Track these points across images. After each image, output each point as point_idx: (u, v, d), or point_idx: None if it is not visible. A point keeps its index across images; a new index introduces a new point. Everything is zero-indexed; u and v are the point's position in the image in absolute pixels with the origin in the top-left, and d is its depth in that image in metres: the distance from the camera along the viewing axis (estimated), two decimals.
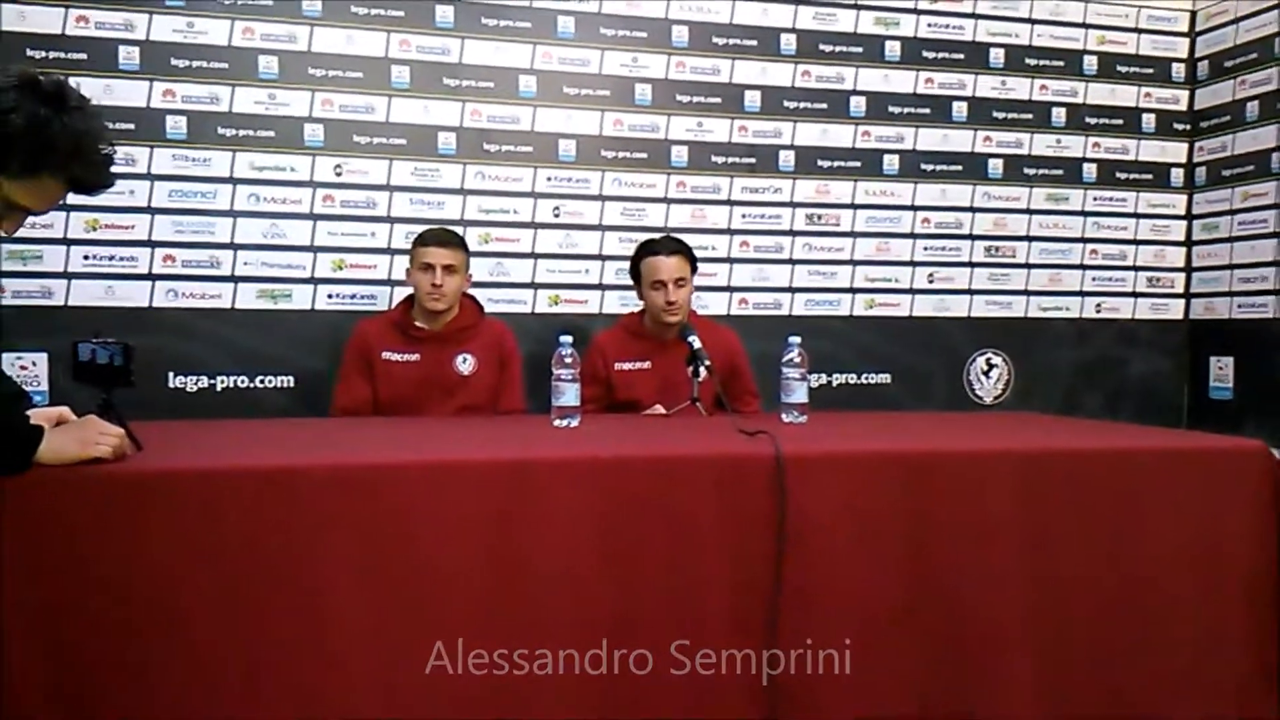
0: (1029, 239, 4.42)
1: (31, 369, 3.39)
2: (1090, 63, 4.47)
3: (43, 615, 1.74)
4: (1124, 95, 4.51)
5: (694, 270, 3.40)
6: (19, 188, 1.78)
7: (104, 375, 1.93)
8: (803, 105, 4.14)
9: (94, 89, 3.41)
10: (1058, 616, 2.19)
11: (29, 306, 3.41)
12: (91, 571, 1.77)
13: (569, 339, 2.64)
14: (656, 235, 3.50)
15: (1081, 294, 4.49)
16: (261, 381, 3.61)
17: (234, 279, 3.59)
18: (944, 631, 2.13)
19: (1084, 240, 4.49)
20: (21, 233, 3.34)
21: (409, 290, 3.33)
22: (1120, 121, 4.51)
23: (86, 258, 3.47)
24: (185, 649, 1.80)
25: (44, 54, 3.41)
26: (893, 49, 4.23)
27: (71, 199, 3.35)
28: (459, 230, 3.49)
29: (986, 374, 4.37)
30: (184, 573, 1.81)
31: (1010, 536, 2.17)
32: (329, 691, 1.86)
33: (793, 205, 4.15)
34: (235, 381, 3.59)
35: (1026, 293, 4.43)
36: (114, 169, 1.91)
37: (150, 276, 3.52)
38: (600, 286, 3.95)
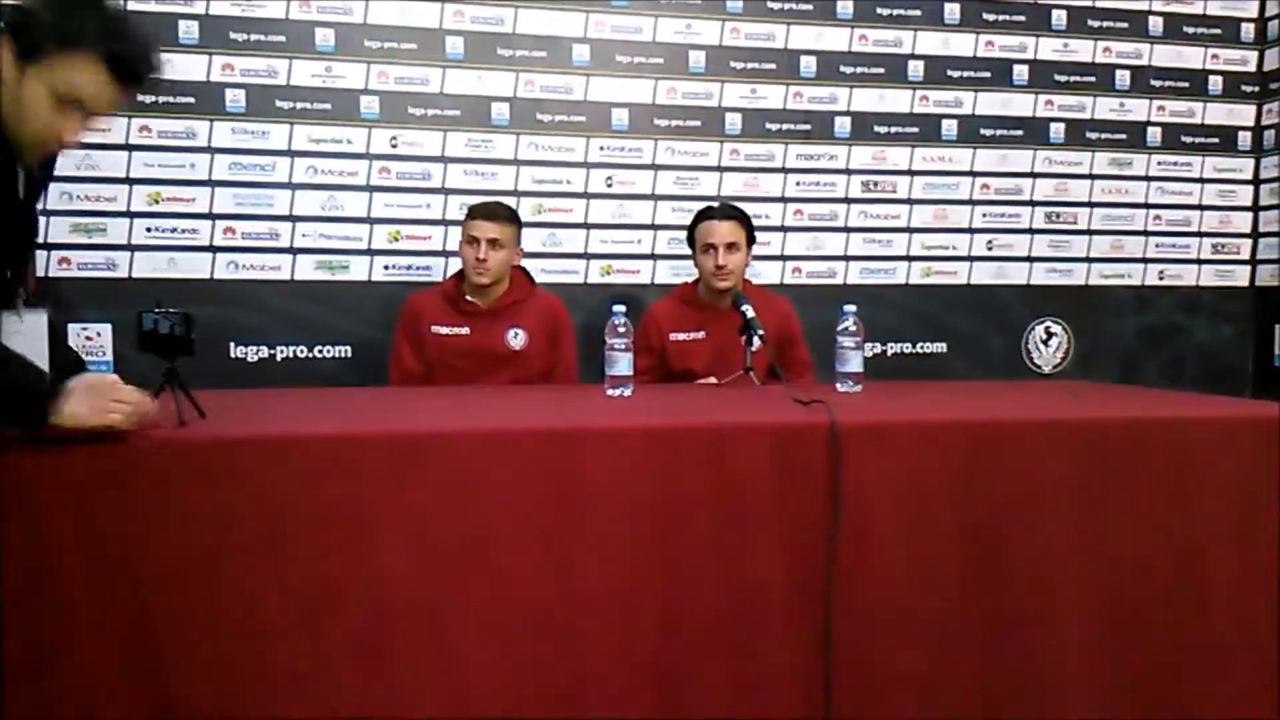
0: (1090, 205, 4.33)
1: (96, 339, 3.48)
2: (1155, 23, 4.36)
3: (108, 584, 1.78)
4: (1190, 57, 4.39)
5: (751, 241, 3.38)
6: (61, 72, 1.76)
7: (167, 345, 1.97)
8: (859, 70, 4.09)
9: None
10: (1114, 588, 2.16)
11: (93, 278, 3.49)
12: (154, 540, 1.81)
13: (622, 308, 2.64)
14: (713, 204, 3.49)
15: (1144, 261, 4.40)
16: (320, 352, 3.67)
17: (293, 250, 3.64)
18: (1000, 602, 2.11)
19: (1147, 206, 4.39)
20: (85, 205, 3.46)
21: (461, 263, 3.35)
22: (1186, 84, 4.39)
23: (149, 230, 3.54)
24: (246, 615, 1.84)
25: None
26: (952, 11, 4.15)
27: (135, 171, 3.43)
28: (512, 201, 3.50)
29: (1045, 343, 4.31)
30: (244, 538, 1.84)
31: (1069, 507, 2.14)
32: (386, 656, 1.90)
33: (848, 172, 4.10)
34: (294, 352, 3.65)
35: (1088, 260, 4.34)
36: (160, 63, 1.88)
37: (211, 248, 3.58)
38: (653, 256, 3.95)
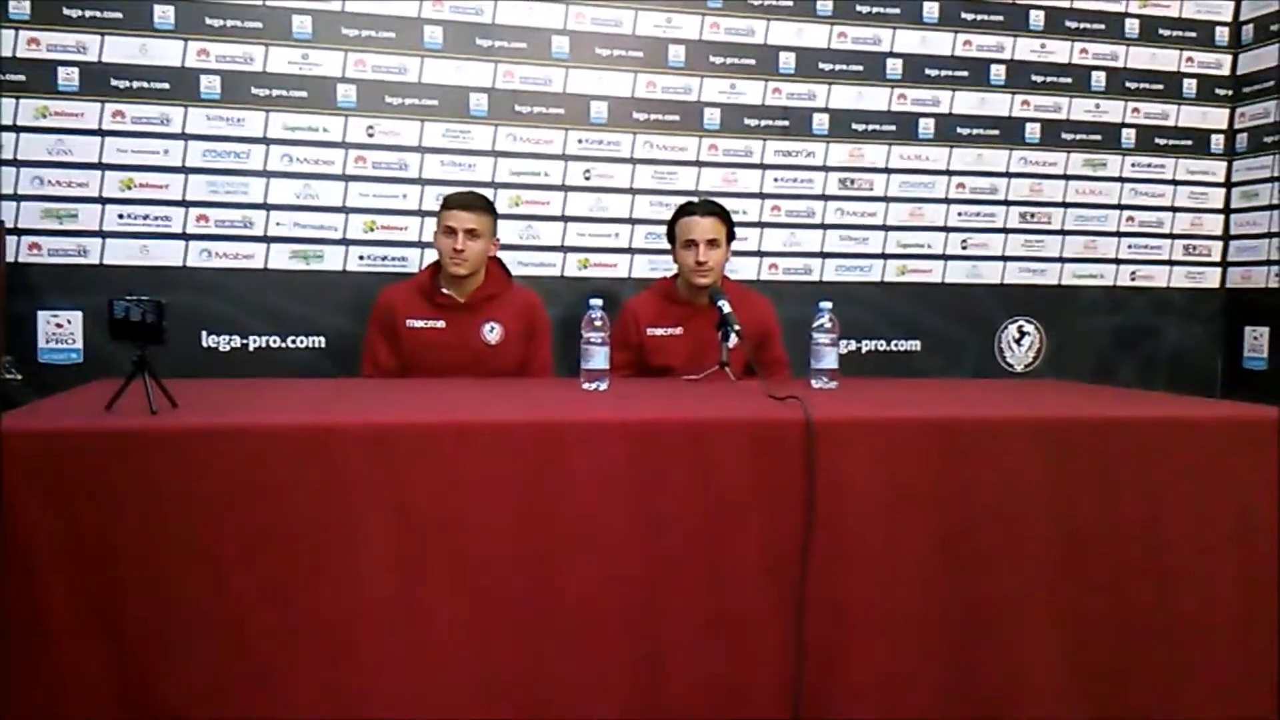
0: (1065, 205, 4.37)
1: (66, 326, 3.44)
2: (1132, 26, 4.39)
3: (80, 574, 1.77)
4: (1165, 59, 4.43)
5: (731, 237, 3.38)
6: None
7: (138, 332, 1.95)
8: (838, 67, 4.10)
9: (129, 48, 3.45)
10: (1085, 585, 2.18)
11: (64, 265, 3.45)
12: (126, 530, 1.79)
13: (599, 302, 2.64)
14: (693, 199, 3.49)
15: (1117, 261, 4.44)
16: (293, 341, 3.64)
17: (267, 239, 3.61)
18: (973, 600, 2.13)
19: (1120, 207, 4.43)
20: (57, 190, 3.43)
21: (437, 255, 3.33)
22: (1161, 86, 4.43)
23: (121, 217, 3.50)
24: (219, 605, 1.83)
25: (79, 12, 3.42)
26: (930, 10, 4.17)
27: (107, 157, 3.39)
28: (489, 193, 3.49)
29: (1018, 342, 4.34)
30: (217, 529, 1.83)
31: (1042, 505, 2.16)
32: (360, 649, 1.89)
33: (825, 169, 4.12)
34: (267, 341, 3.62)
35: (1061, 260, 4.38)
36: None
37: (184, 236, 3.55)
38: (630, 250, 3.95)
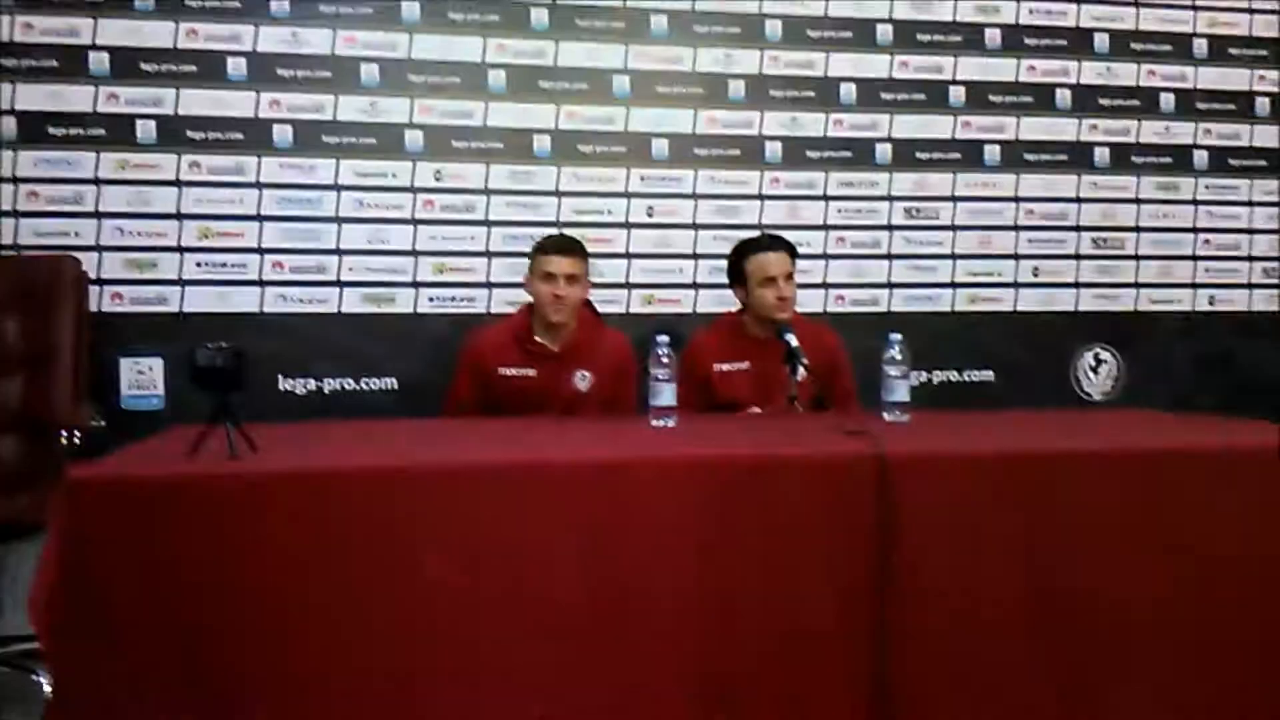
0: (1138, 230, 4.28)
1: (148, 373, 3.52)
2: (1200, 45, 4.31)
3: (164, 618, 1.81)
4: (1236, 79, 4.34)
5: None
6: None
7: (219, 379, 2.00)
8: (900, 97, 4.07)
9: (204, 101, 3.56)
10: (1174, 621, 2.12)
11: (145, 313, 3.54)
12: (210, 573, 1.83)
13: (665, 338, 2.64)
14: (753, 235, 3.48)
15: (1194, 286, 4.34)
16: (366, 384, 3.69)
17: (339, 284, 3.68)
18: (1061, 638, 2.07)
19: (1195, 230, 4.33)
20: (137, 241, 3.52)
21: (510, 296, 3.32)
22: (1232, 106, 4.33)
23: (199, 265, 3.59)
24: (295, 644, 1.86)
25: (156, 67, 3.53)
26: (993, 37, 4.14)
27: (185, 207, 3.49)
28: (553, 232, 3.51)
29: (1095, 370, 4.25)
30: (297, 571, 1.86)
31: (1128, 541, 2.10)
32: (433, 688, 1.90)
33: (890, 199, 4.09)
34: (341, 384, 3.68)
35: (1136, 285, 4.29)
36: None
37: (260, 282, 3.63)
38: (694, 285, 3.95)
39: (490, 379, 3.23)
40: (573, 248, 3.25)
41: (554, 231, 3.48)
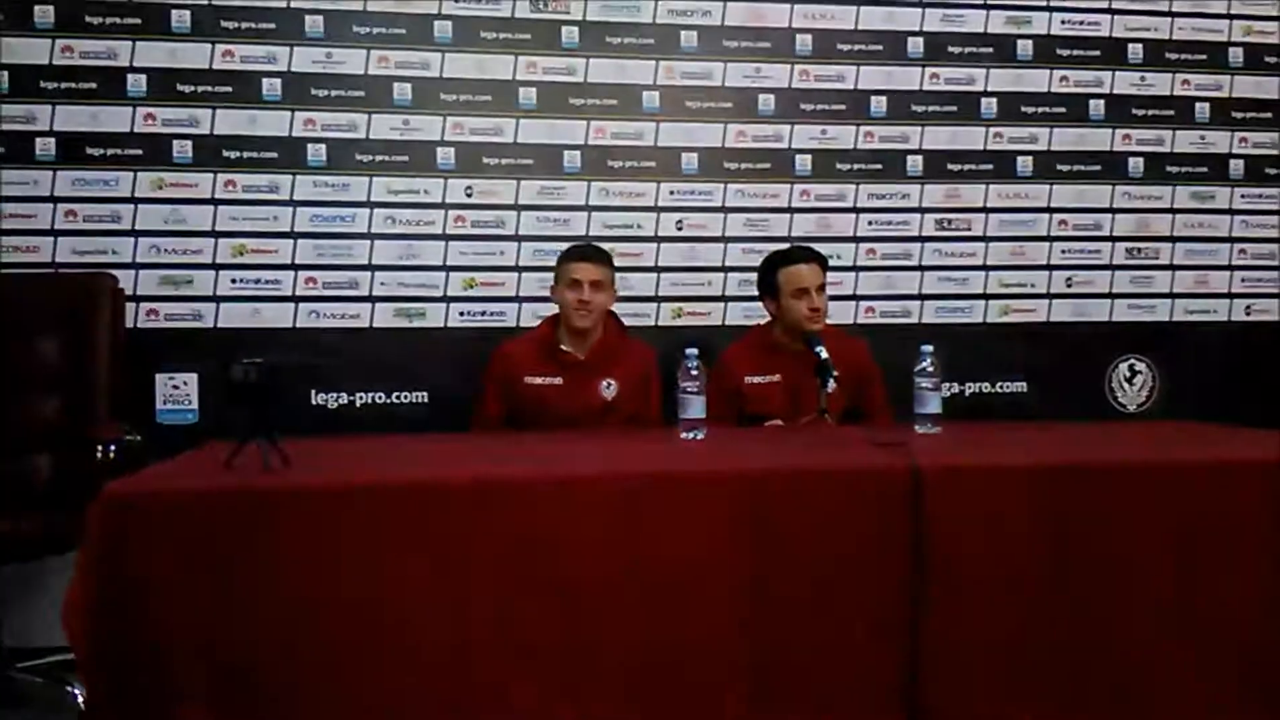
0: (1173, 239, 4.23)
1: (183, 389, 3.56)
2: (1235, 54, 4.27)
3: (201, 631, 1.82)
4: (1271, 87, 4.28)
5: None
6: None
7: (253, 394, 2.02)
8: (931, 109, 4.06)
9: (239, 120, 3.61)
10: (1211, 632, 2.08)
11: (181, 329, 3.58)
12: (244, 585, 1.84)
13: (695, 351, 2.65)
14: (783, 247, 3.48)
15: (1230, 296, 4.28)
16: (398, 398, 3.72)
17: (372, 299, 3.71)
18: (1097, 652, 2.05)
19: (1231, 240, 4.27)
20: (173, 259, 3.57)
21: (540, 310, 3.35)
22: (1269, 115, 4.28)
23: (234, 281, 3.63)
24: (328, 658, 1.86)
25: (193, 88, 3.59)
26: (1025, 48, 4.12)
27: (220, 225, 3.53)
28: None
29: (1130, 381, 4.20)
30: (331, 583, 1.87)
31: (1164, 555, 2.07)
32: (470, 701, 1.90)
33: (921, 211, 4.07)
34: (373, 398, 3.70)
35: (1171, 295, 4.24)
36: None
37: (294, 298, 3.66)
38: (724, 299, 3.94)
39: (516, 389, 3.25)
40: (598, 256, 3.29)
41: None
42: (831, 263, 3.46)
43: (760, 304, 3.46)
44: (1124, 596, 2.07)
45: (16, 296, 3.27)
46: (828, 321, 3.47)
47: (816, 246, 3.46)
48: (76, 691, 2.68)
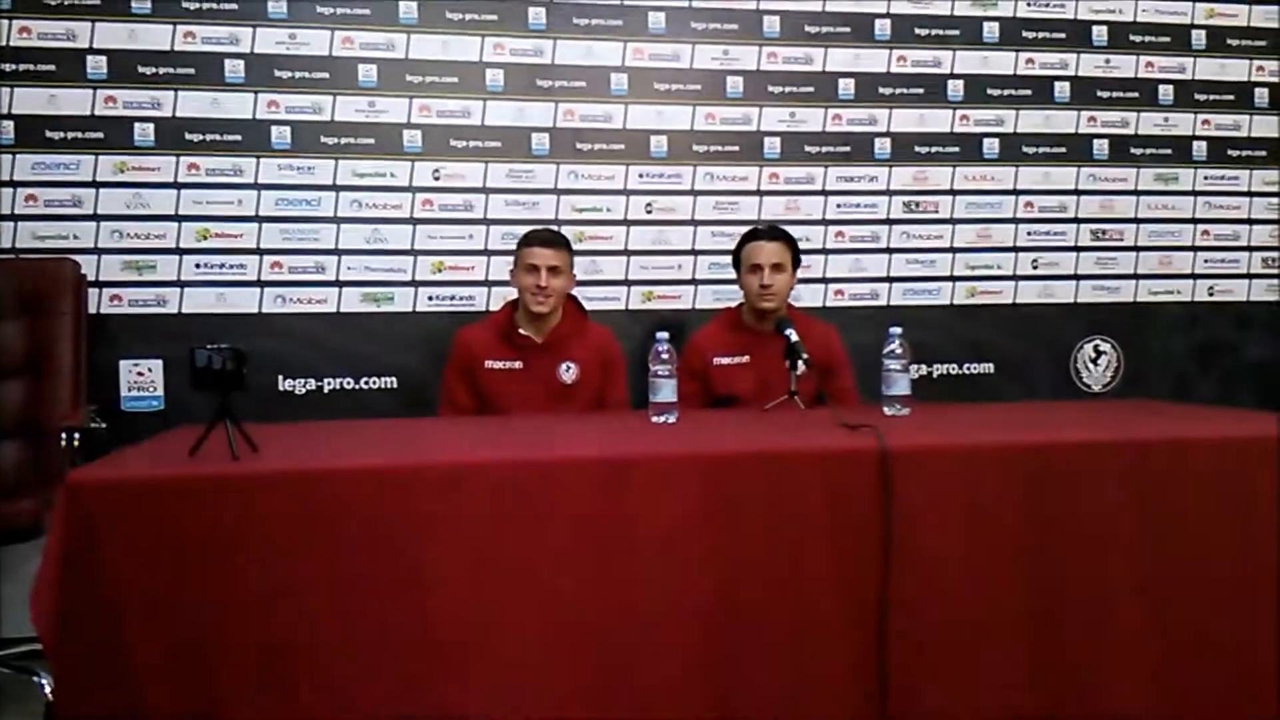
0: (1137, 221, 4.28)
1: (147, 375, 3.53)
2: (1199, 37, 4.31)
3: (165, 617, 1.81)
4: (1235, 70, 4.33)
5: (796, 264, 3.38)
6: None
7: (219, 380, 2.00)
8: (898, 91, 4.07)
9: (202, 103, 3.56)
10: (1170, 610, 2.12)
11: (144, 315, 3.54)
12: (210, 572, 1.83)
13: (665, 335, 2.65)
14: (759, 226, 3.49)
15: (1193, 276, 4.34)
16: (366, 383, 3.69)
17: (338, 284, 3.68)
18: (1058, 629, 2.08)
19: (1195, 221, 4.33)
20: (136, 243, 3.53)
21: (509, 294, 3.35)
22: (1231, 97, 4.33)
23: (198, 266, 3.59)
24: (298, 642, 1.86)
25: (154, 70, 3.53)
26: (991, 30, 4.14)
27: (184, 209, 3.49)
28: (557, 229, 3.52)
29: (1095, 361, 4.25)
30: (298, 570, 1.86)
31: (1126, 530, 2.11)
32: (438, 682, 1.90)
33: (889, 193, 4.09)
34: (341, 383, 3.68)
35: (1135, 276, 4.29)
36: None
37: (259, 283, 3.63)
38: (694, 281, 3.95)
39: (478, 373, 3.26)
40: (555, 240, 3.30)
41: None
42: (801, 245, 3.47)
43: (730, 287, 3.47)
44: (1092, 575, 2.10)
45: None
46: (797, 305, 3.48)
47: (786, 229, 3.47)
48: (44, 682, 2.66)
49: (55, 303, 3.20)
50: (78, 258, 3.36)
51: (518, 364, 3.27)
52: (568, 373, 3.29)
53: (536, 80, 3.81)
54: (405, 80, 3.72)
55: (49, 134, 3.48)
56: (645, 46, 3.89)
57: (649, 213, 3.92)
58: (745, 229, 3.49)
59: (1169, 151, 4.30)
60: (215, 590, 1.83)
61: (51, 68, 3.47)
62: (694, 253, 3.94)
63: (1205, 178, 4.33)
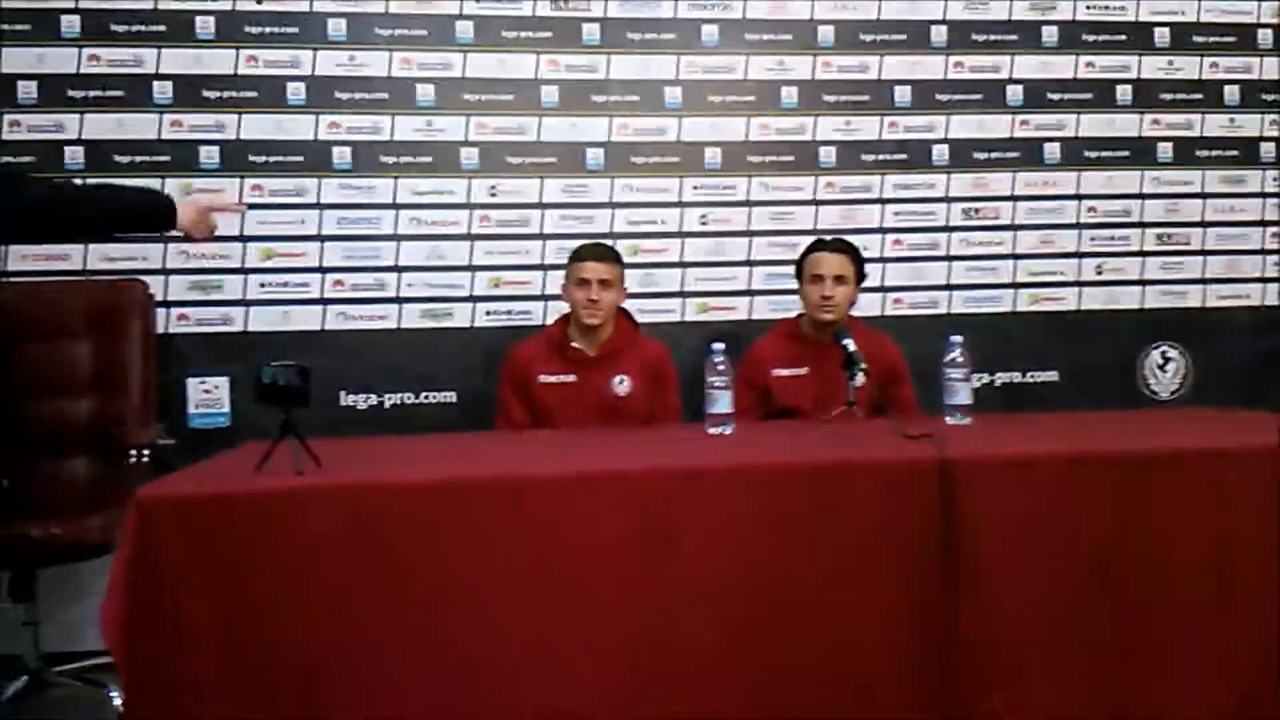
0: (1203, 224, 4.18)
1: (214, 392, 3.59)
2: (1264, 36, 4.21)
3: (228, 627, 1.84)
4: None
5: (861, 277, 3.35)
6: None
7: (284, 396, 2.03)
8: (956, 97, 4.03)
9: (265, 125, 3.63)
10: (1246, 621, 2.06)
11: (211, 333, 3.61)
12: (276, 586, 1.85)
13: (721, 346, 2.64)
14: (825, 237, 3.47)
15: (1262, 280, 4.22)
16: (426, 398, 3.73)
17: (399, 300, 3.72)
18: (1128, 641, 2.03)
19: (1263, 224, 4.22)
20: (203, 264, 3.59)
21: (563, 307, 3.37)
22: None
23: (263, 285, 3.65)
24: (362, 656, 1.87)
25: (218, 94, 3.61)
26: (1050, 34, 4.08)
27: (249, 229, 3.55)
28: (609, 243, 3.53)
29: (1162, 368, 4.16)
30: (361, 582, 1.88)
31: (1200, 543, 2.05)
32: (495, 696, 1.90)
33: (948, 200, 4.04)
34: (402, 399, 3.72)
35: (1203, 281, 4.19)
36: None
37: (322, 301, 3.68)
38: (749, 293, 3.93)
39: (531, 387, 3.28)
40: (606, 254, 3.31)
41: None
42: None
43: (787, 298, 3.45)
44: (1162, 587, 2.04)
45: (50, 303, 3.31)
46: (855, 313, 3.45)
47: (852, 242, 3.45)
48: (114, 695, 2.71)
49: (125, 322, 3.28)
50: (146, 278, 3.44)
51: (571, 377, 3.28)
52: (620, 385, 3.29)
53: (591, 96, 3.83)
54: (462, 99, 3.76)
55: (117, 158, 3.57)
56: (698, 59, 3.89)
57: (704, 224, 3.91)
58: (801, 239, 3.47)
59: (1235, 153, 4.20)
60: (282, 604, 1.86)
61: (120, 93, 3.57)
62: (749, 264, 3.93)
63: (1273, 179, 4.22)
